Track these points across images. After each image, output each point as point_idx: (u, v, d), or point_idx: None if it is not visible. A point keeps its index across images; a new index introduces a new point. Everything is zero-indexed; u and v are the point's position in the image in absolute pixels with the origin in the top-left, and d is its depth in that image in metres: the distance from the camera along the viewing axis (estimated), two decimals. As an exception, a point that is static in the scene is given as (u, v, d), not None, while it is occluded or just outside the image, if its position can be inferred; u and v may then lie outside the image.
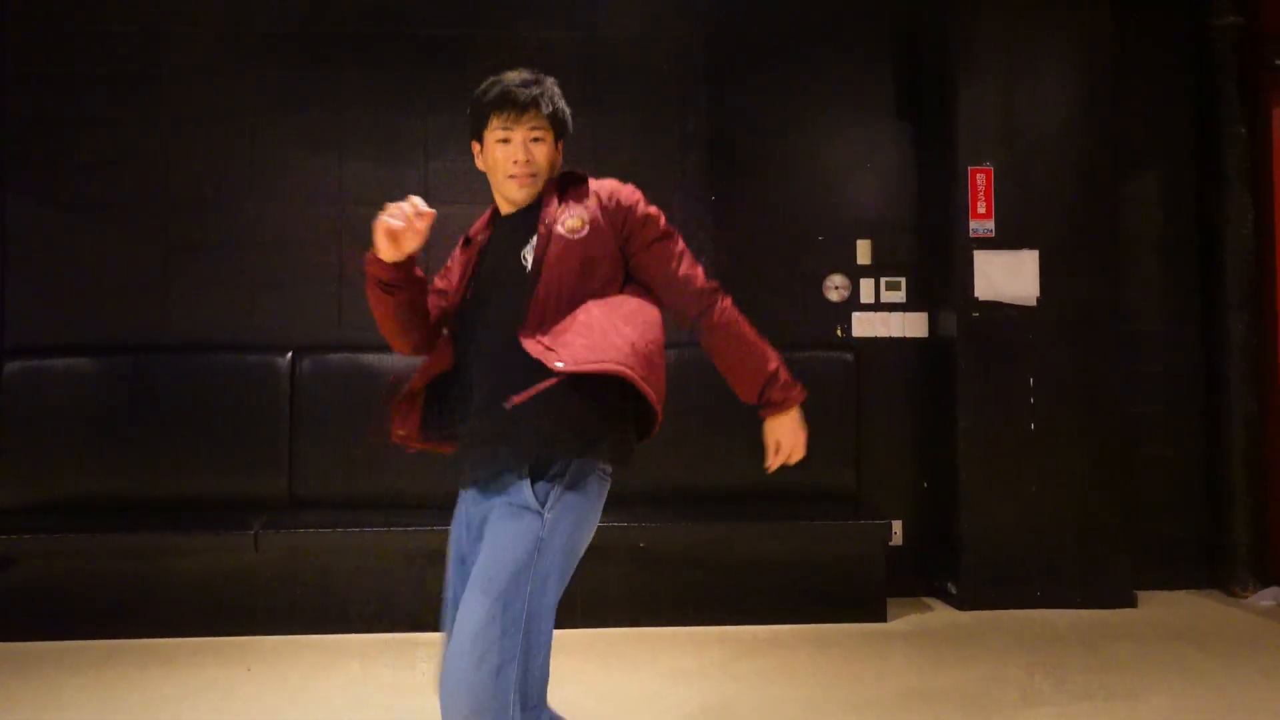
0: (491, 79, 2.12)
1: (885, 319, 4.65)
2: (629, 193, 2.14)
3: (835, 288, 4.65)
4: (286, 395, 4.42)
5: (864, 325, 4.65)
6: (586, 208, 2.09)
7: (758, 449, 4.39)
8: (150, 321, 4.54)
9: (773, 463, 2.21)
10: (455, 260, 2.27)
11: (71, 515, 4.16)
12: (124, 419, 4.35)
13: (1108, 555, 4.33)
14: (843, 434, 4.50)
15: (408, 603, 3.99)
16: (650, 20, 4.67)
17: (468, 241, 2.26)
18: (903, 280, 4.66)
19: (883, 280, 4.65)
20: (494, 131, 2.09)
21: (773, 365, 2.19)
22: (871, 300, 4.65)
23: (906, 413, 4.66)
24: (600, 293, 2.06)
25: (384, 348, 4.44)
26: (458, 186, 4.60)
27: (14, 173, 4.52)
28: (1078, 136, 4.40)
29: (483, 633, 1.85)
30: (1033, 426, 4.34)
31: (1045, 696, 3.23)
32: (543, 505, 1.95)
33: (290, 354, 4.46)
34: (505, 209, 2.18)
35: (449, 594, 2.15)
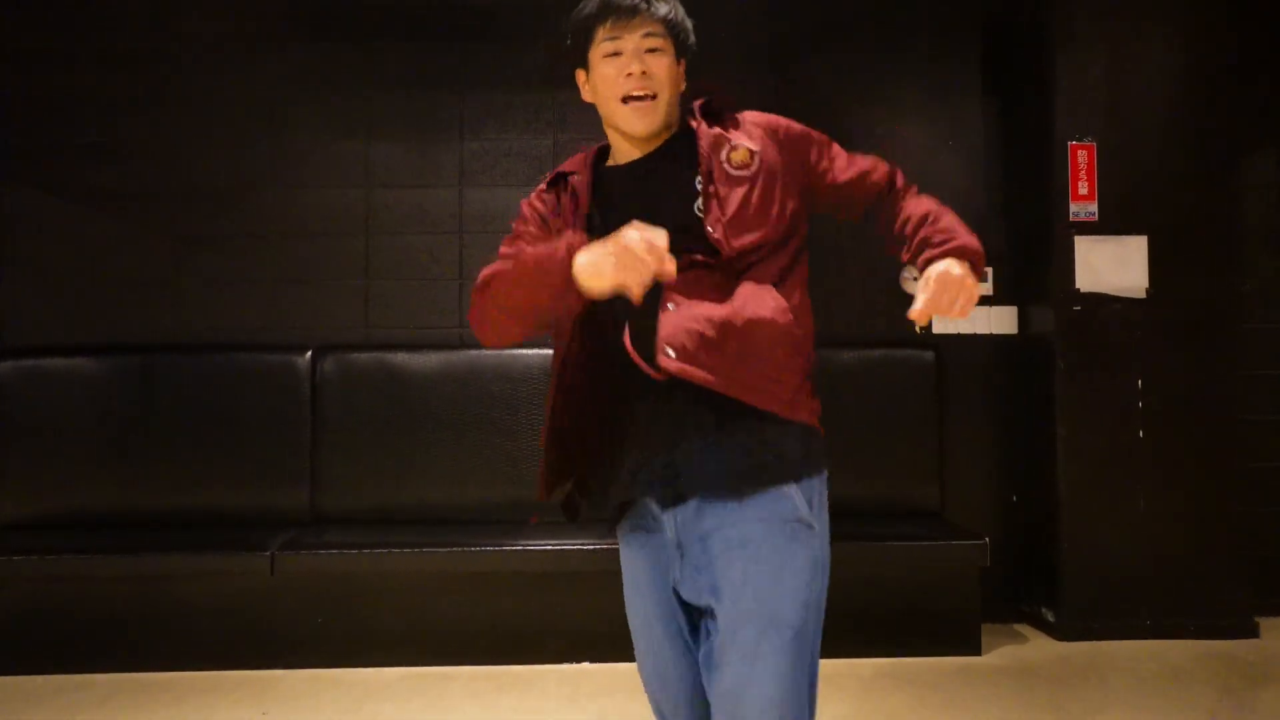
0: None
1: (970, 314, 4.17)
2: (787, 122, 1.76)
3: (913, 279, 4.17)
4: (308, 399, 4.01)
5: (945, 321, 4.18)
6: (750, 136, 1.69)
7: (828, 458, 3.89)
8: (159, 319, 4.16)
9: (922, 307, 1.59)
10: (566, 211, 1.73)
11: (71, 533, 3.77)
12: (130, 425, 3.97)
13: (1226, 579, 3.85)
14: (923, 442, 4.04)
15: (442, 632, 3.57)
16: (710, -6, 4.23)
17: (561, 203, 1.74)
18: (989, 271, 4.18)
19: (967, 271, 4.18)
20: (600, 46, 1.69)
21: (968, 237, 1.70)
22: (954, 293, 4.18)
23: (992, 418, 4.20)
24: (785, 245, 1.67)
25: (413, 346, 4.08)
26: (496, 170, 4.19)
27: (9, 157, 4.14)
28: (1191, 111, 3.91)
29: (789, 679, 1.49)
30: (1141, 434, 3.87)
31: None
32: (813, 515, 1.58)
33: (310, 353, 4.05)
34: (624, 152, 1.73)
35: (654, 661, 1.74)
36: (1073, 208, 3.90)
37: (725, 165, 1.64)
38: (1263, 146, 4.22)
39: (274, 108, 4.22)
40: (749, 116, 1.76)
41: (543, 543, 3.54)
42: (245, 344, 4.09)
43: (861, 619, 3.64)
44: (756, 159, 1.66)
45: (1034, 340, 4.08)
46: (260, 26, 4.21)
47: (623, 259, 1.43)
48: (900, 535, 3.70)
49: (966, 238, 1.66)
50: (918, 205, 1.75)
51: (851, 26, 4.25)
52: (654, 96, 1.67)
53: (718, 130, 1.71)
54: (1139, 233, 3.89)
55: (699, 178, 1.65)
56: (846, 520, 3.85)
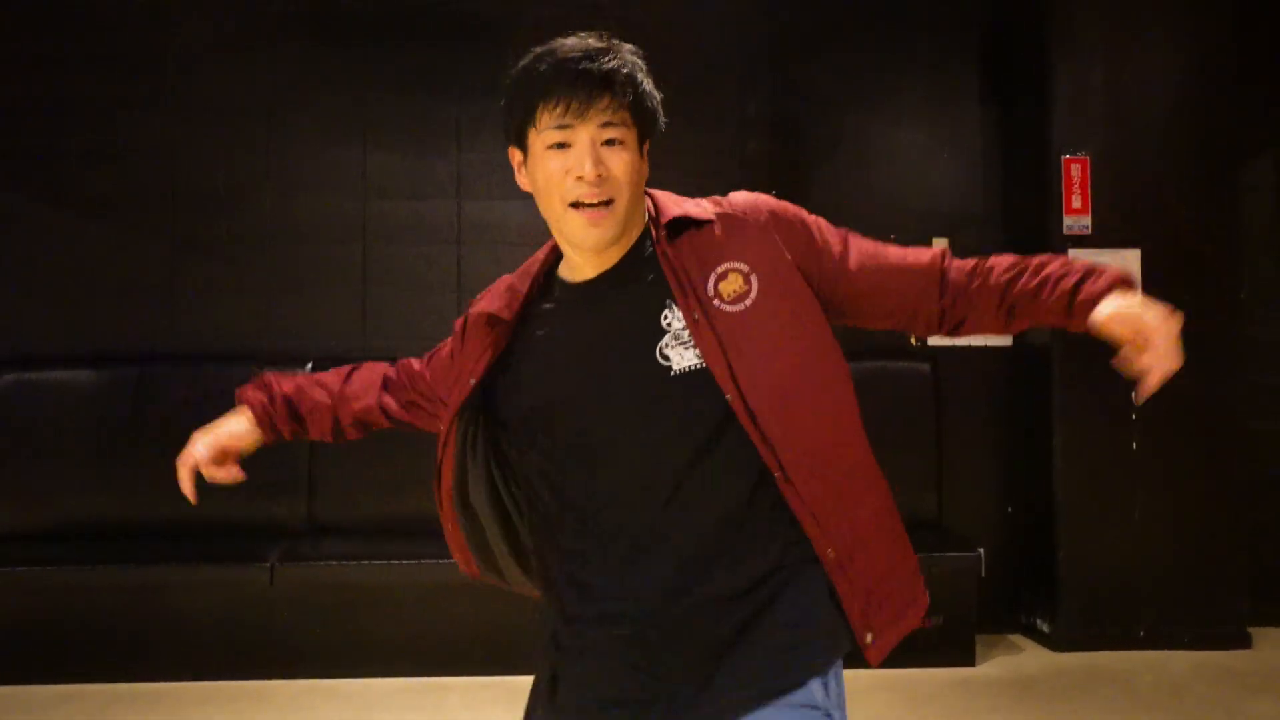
0: (538, 51, 1.35)
1: (965, 325, 4.19)
2: (752, 196, 1.43)
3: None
4: (305, 409, 3.99)
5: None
6: (729, 252, 1.33)
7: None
8: (155, 328, 4.14)
9: (1148, 378, 1.33)
10: (468, 358, 1.44)
11: (68, 544, 3.76)
12: (126, 436, 3.95)
13: (1219, 589, 3.87)
14: (921, 452, 4.05)
15: (440, 642, 3.57)
16: (707, -2, 4.23)
17: (494, 322, 1.41)
18: (986, 282, 4.19)
19: (963, 282, 4.19)
20: (545, 132, 1.31)
21: (1073, 269, 1.38)
22: (951, 304, 4.19)
23: (989, 428, 4.21)
24: (819, 378, 1.35)
25: (412, 355, 4.09)
26: (494, 179, 4.18)
27: (6, 163, 4.12)
28: (1190, 122, 3.93)
29: None
30: (1135, 445, 3.88)
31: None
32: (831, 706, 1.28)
33: (310, 365, 4.03)
34: (577, 268, 1.39)
35: None
36: (1066, 221, 3.91)
37: (716, 301, 1.31)
38: (1262, 150, 4.23)
39: (271, 113, 4.20)
40: (710, 210, 1.40)
41: (540, 554, 3.54)
42: (243, 353, 4.08)
43: (858, 630, 3.66)
44: (754, 281, 1.32)
45: (1030, 351, 4.09)
46: (256, 32, 4.20)
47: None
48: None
49: (1092, 268, 1.36)
50: (1001, 261, 1.41)
51: (851, 31, 4.25)
52: (610, 203, 1.31)
53: (692, 249, 1.34)
54: (1133, 245, 3.90)
55: (678, 310, 1.31)
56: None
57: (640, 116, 1.36)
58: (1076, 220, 3.93)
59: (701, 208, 1.40)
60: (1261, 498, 4.10)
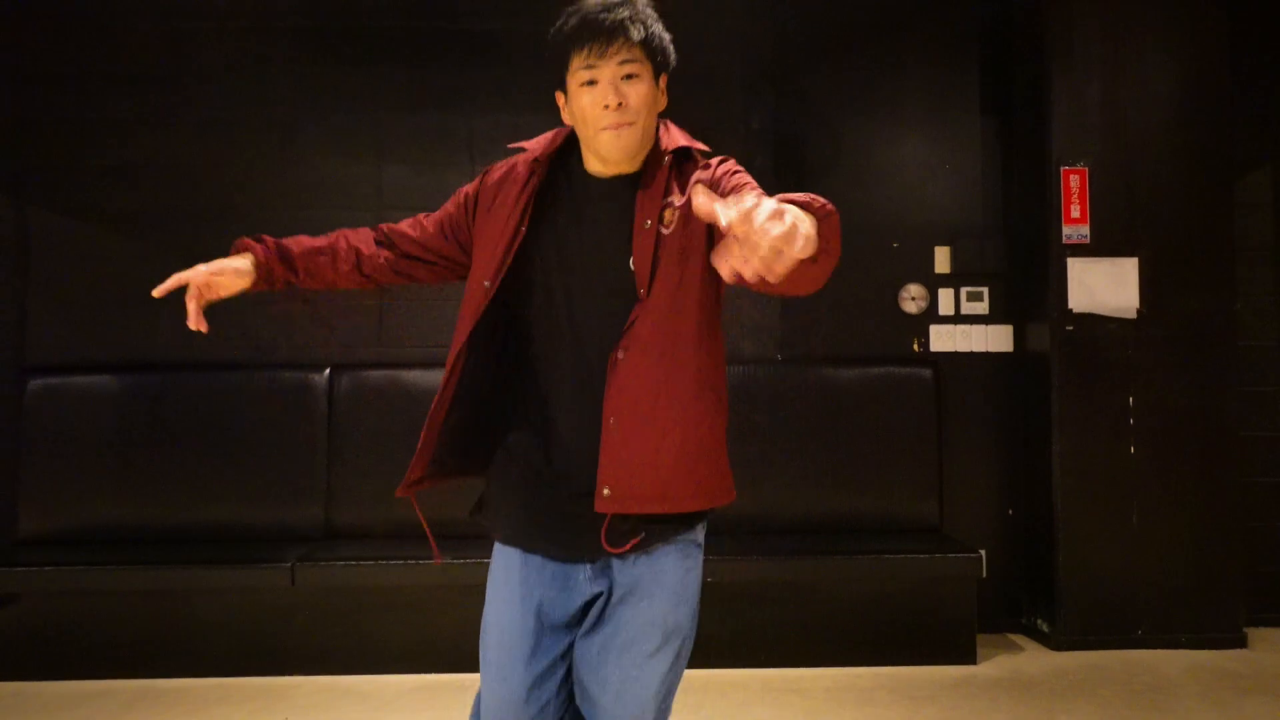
0: (568, 10, 1.68)
1: (966, 332, 4.29)
2: (723, 163, 1.72)
3: (912, 298, 4.30)
4: (324, 415, 4.12)
5: (943, 339, 4.29)
6: (683, 190, 1.67)
7: (828, 475, 4.02)
8: (175, 337, 4.26)
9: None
10: (484, 210, 1.78)
11: (94, 547, 3.89)
12: (149, 441, 4.08)
13: (1218, 592, 3.95)
14: (922, 457, 4.15)
15: (455, 642, 3.67)
16: (713, 13, 4.34)
17: (534, 167, 1.75)
18: (985, 290, 4.29)
19: (963, 290, 4.29)
20: (577, 74, 1.66)
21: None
22: (951, 312, 4.29)
23: (989, 434, 4.30)
24: (685, 299, 1.66)
25: (428, 364, 4.20)
26: (505, 191, 4.29)
27: (33, 179, 4.25)
28: (1186, 135, 4.02)
29: (668, 674, 1.69)
30: (1133, 451, 3.97)
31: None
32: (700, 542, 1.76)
33: (328, 371, 4.16)
34: (592, 163, 1.74)
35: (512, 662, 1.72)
36: (1065, 230, 4.00)
37: (660, 225, 1.66)
38: (1258, 165, 4.32)
39: (287, 130, 4.33)
40: (709, 168, 1.70)
41: (551, 556, 3.65)
42: (263, 362, 4.20)
43: (860, 631, 3.75)
44: (677, 215, 1.65)
45: (1030, 358, 4.18)
46: (272, 52, 4.33)
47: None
48: (898, 549, 3.80)
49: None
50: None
51: (852, 47, 4.36)
52: (631, 123, 1.66)
53: (663, 176, 1.69)
54: (1131, 254, 4.00)
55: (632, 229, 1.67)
56: (847, 535, 3.99)
57: (652, 54, 1.68)
58: (1075, 230, 4.03)
59: (695, 164, 1.72)
60: (1255, 504, 4.18)
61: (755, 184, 1.64)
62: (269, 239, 1.89)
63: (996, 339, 4.30)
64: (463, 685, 3.53)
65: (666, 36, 1.71)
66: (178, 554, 3.75)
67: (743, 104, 4.35)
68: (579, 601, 1.72)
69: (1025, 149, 4.21)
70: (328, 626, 3.69)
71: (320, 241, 1.91)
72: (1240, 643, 3.93)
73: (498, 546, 1.81)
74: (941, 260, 4.30)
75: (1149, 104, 4.02)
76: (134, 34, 4.29)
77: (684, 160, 1.73)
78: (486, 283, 1.70)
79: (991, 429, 4.30)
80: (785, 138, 4.35)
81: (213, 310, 4.35)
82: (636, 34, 1.64)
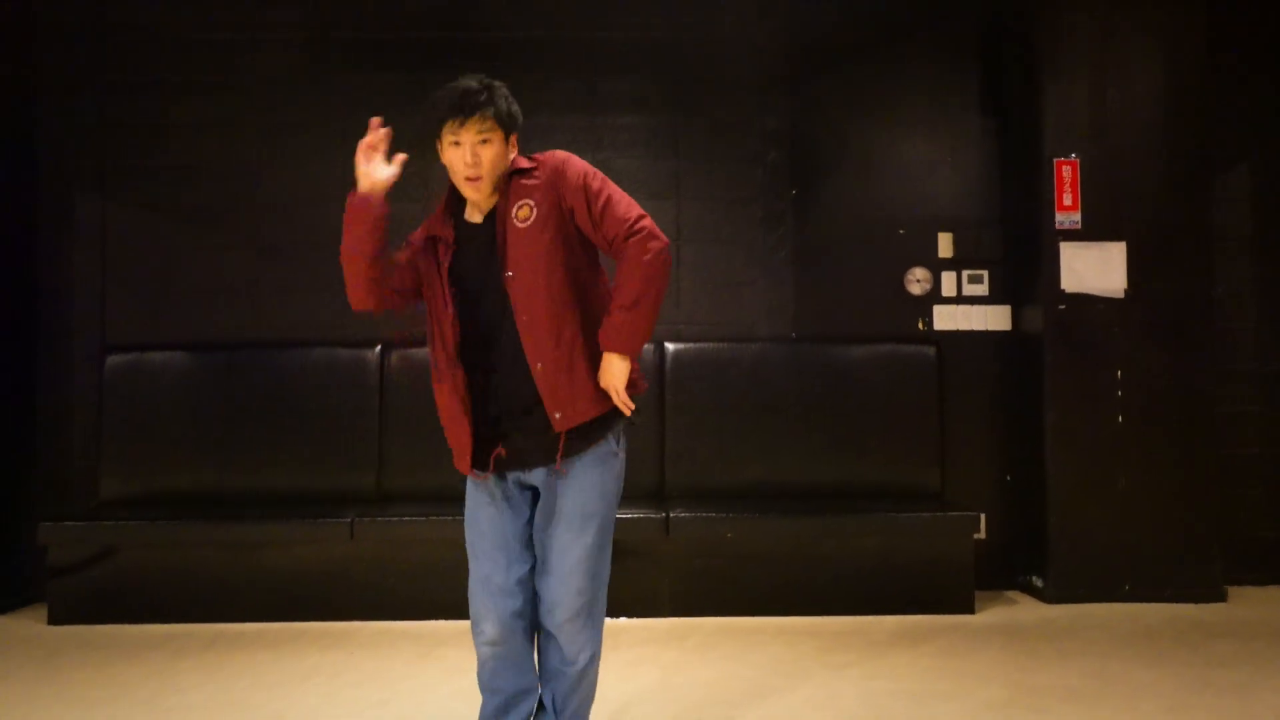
0: (444, 88, 2.32)
1: (967, 312, 4.64)
2: (563, 159, 2.35)
3: (917, 281, 4.65)
4: (376, 389, 4.51)
5: (946, 319, 4.64)
6: (531, 192, 2.31)
7: (838, 445, 4.39)
8: (241, 319, 4.67)
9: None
10: (427, 259, 2.42)
11: (172, 506, 4.29)
12: (217, 413, 4.49)
13: (1197, 551, 4.28)
14: (925, 428, 4.50)
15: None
16: (728, 20, 4.71)
17: (432, 241, 2.43)
18: (985, 274, 4.64)
19: (965, 274, 4.64)
20: (446, 137, 2.30)
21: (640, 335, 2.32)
22: (953, 294, 4.64)
23: (988, 406, 4.64)
24: (575, 279, 2.33)
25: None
26: (541, 184, 4.67)
27: (114, 178, 4.67)
28: (1167, 131, 4.35)
29: (594, 555, 2.37)
30: (1121, 421, 4.30)
31: (1152, 691, 3.20)
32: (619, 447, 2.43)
33: (379, 348, 4.55)
34: (470, 212, 2.40)
35: (491, 554, 2.46)
36: (1058, 217, 4.34)
37: (515, 222, 2.31)
38: (1238, 160, 4.64)
39: (340, 132, 4.70)
40: (543, 162, 2.36)
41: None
42: (320, 340, 4.60)
43: (868, 586, 4.11)
44: (534, 209, 2.31)
45: (1025, 337, 4.53)
46: (327, 61, 4.73)
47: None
48: (902, 509, 4.15)
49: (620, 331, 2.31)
50: (629, 278, 2.31)
51: (859, 53, 4.72)
52: (483, 176, 2.31)
53: (517, 194, 2.34)
54: (1119, 239, 4.33)
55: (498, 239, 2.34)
56: (855, 499, 4.34)
57: (502, 123, 2.30)
58: (1068, 216, 4.37)
59: (532, 173, 2.35)
60: (1232, 473, 4.51)
61: (609, 187, 2.33)
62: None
63: (996, 318, 4.64)
64: (506, 629, 3.90)
65: (515, 109, 2.33)
66: (246, 512, 4.16)
67: (758, 106, 4.71)
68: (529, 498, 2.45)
69: (1020, 144, 4.55)
70: (383, 576, 4.08)
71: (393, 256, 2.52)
72: (1220, 598, 4.26)
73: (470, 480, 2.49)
74: (945, 245, 4.65)
75: (1133, 103, 4.36)
76: (204, 46, 4.71)
77: (524, 174, 2.36)
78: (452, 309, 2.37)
79: (990, 402, 4.64)
80: (798, 136, 4.72)
81: (275, 292, 4.74)
82: (490, 111, 2.27)
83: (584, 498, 2.36)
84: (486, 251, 2.33)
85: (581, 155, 5.02)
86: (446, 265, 2.35)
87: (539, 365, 2.28)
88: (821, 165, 4.71)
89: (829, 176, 4.71)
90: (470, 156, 2.26)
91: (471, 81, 2.29)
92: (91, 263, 4.65)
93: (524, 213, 2.29)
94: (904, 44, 4.71)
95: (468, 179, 2.29)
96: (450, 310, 2.32)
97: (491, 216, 2.35)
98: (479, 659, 2.47)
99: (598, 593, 2.41)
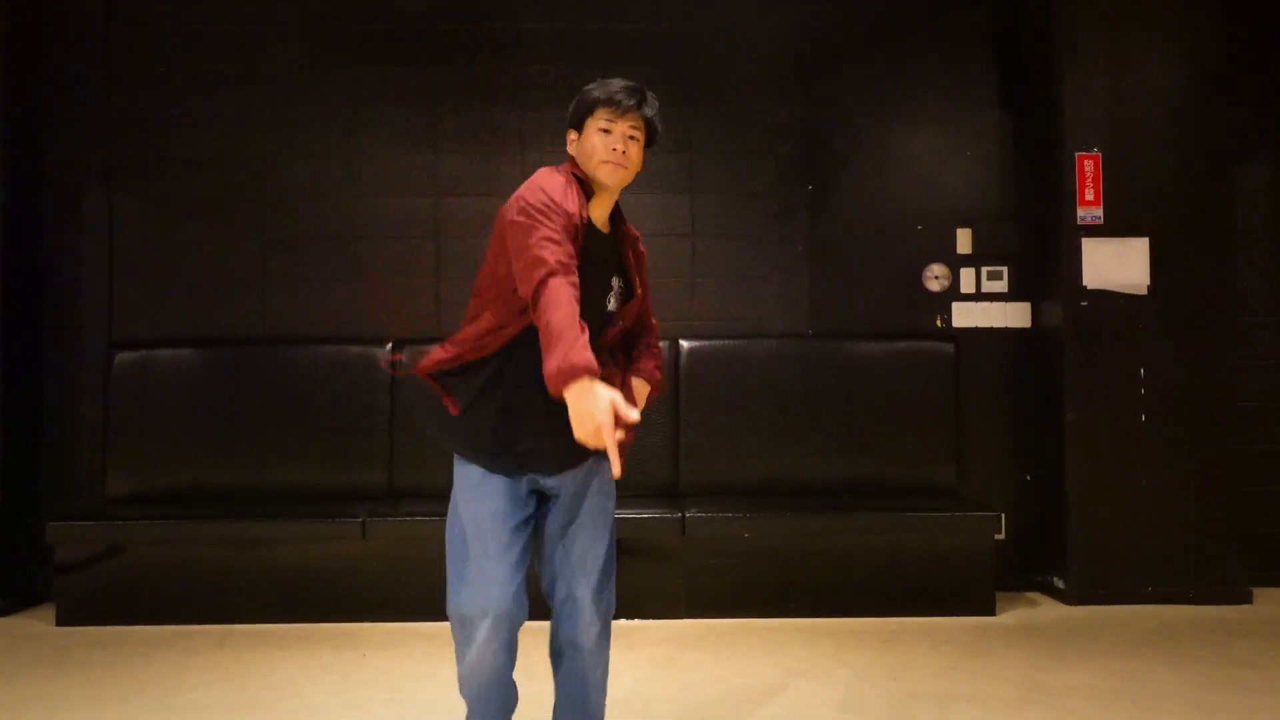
0: (600, 80, 2.30)
1: (986, 309, 4.58)
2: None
3: (935, 277, 4.59)
4: (386, 386, 4.46)
5: (964, 315, 4.58)
6: (635, 243, 2.37)
7: (854, 442, 4.34)
8: (249, 315, 4.62)
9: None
10: (569, 237, 2.22)
11: (179, 504, 4.24)
12: (226, 410, 4.43)
13: (1221, 551, 4.22)
14: (942, 426, 4.44)
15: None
16: (741, 11, 4.65)
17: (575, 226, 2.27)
18: (1004, 270, 4.58)
19: (984, 270, 4.58)
20: (598, 120, 2.23)
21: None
22: (972, 290, 4.58)
23: (1007, 404, 4.59)
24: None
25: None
26: (554, 179, 4.62)
27: (120, 172, 4.62)
28: (1187, 124, 4.29)
29: (608, 566, 2.37)
30: (1143, 419, 4.24)
31: (1176, 691, 3.14)
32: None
33: (390, 345, 4.50)
34: (596, 213, 2.27)
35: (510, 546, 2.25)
36: (1080, 212, 4.28)
37: (633, 255, 2.34)
38: (1258, 153, 4.58)
39: (350, 125, 4.67)
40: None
41: (599, 513, 3.98)
42: (330, 336, 4.55)
43: (886, 586, 4.05)
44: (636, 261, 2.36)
45: (1045, 333, 4.46)
46: (337, 54, 4.67)
47: (591, 430, 1.92)
48: (921, 509, 4.10)
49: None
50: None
51: (873, 46, 4.66)
52: (626, 167, 2.25)
53: (637, 257, 2.37)
54: (1141, 235, 4.27)
55: (617, 278, 2.32)
56: (872, 497, 4.29)
57: (650, 129, 2.28)
58: (1089, 211, 4.30)
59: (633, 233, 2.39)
60: (1255, 470, 4.44)
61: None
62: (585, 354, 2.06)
63: (1015, 315, 4.58)
64: (524, 630, 3.84)
65: (661, 126, 2.30)
66: (261, 508, 4.11)
67: (771, 100, 4.65)
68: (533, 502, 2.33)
69: (1038, 139, 4.49)
70: (395, 575, 4.03)
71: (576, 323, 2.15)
72: (1244, 598, 4.20)
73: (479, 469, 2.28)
74: (963, 241, 4.59)
75: (1153, 96, 4.30)
76: (210, 39, 4.65)
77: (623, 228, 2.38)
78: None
79: (1009, 400, 4.58)
80: (811, 131, 4.66)
81: (284, 287, 4.70)
82: (647, 112, 2.26)
83: (605, 500, 2.37)
84: (603, 265, 2.27)
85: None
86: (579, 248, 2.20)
87: None
88: (836, 159, 4.65)
89: (844, 170, 4.65)
90: (621, 144, 2.22)
91: (629, 82, 2.29)
92: (98, 258, 4.60)
93: (631, 258, 2.34)
94: (918, 35, 4.65)
95: (608, 162, 2.22)
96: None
97: (615, 234, 2.33)
98: (477, 668, 2.25)
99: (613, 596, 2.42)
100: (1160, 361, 4.25)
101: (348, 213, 4.67)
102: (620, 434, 1.94)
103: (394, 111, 4.68)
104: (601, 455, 2.20)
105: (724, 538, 4.02)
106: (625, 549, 4.10)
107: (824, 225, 4.63)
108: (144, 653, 3.63)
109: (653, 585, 4.02)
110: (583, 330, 2.00)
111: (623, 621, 3.97)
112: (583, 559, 2.33)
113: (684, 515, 3.98)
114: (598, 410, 1.90)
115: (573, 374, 1.92)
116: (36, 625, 4.00)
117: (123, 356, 4.48)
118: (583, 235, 2.17)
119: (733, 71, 4.65)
